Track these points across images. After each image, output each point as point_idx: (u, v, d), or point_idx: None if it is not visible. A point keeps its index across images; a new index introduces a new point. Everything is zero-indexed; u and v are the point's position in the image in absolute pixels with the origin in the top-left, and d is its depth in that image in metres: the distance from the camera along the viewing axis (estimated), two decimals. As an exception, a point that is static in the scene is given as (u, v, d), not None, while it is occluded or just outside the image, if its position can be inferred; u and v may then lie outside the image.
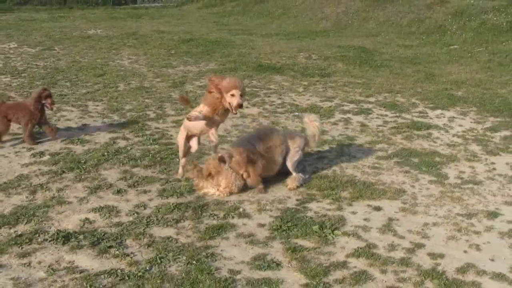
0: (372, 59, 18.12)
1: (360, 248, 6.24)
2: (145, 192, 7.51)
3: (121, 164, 8.43)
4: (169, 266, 5.75)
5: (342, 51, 19.80)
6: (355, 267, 5.88)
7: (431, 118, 11.52)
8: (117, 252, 5.97)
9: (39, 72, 14.80)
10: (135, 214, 6.84)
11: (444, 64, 17.58)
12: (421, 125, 10.94)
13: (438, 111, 12.07)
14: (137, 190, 7.54)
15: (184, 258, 5.90)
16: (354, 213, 7.13)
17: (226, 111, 7.41)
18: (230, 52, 19.04)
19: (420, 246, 6.35)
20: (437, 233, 6.67)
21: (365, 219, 6.97)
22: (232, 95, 7.13)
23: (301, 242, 6.35)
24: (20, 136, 9.40)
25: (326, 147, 9.55)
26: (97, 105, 11.73)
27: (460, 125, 11.09)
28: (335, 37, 23.91)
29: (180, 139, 8.03)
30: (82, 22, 26.71)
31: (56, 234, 6.24)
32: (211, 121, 7.49)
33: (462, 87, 14.38)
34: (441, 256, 6.14)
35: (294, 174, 8.00)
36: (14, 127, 9.54)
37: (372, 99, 12.98)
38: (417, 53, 19.67)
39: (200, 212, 6.97)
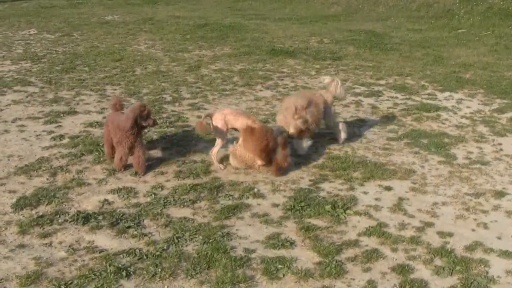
0: (382, 43, 18.15)
1: (372, 227, 6.39)
2: (162, 173, 7.67)
3: (138, 147, 8.55)
4: (186, 246, 5.91)
5: (353, 35, 19.82)
6: (366, 245, 6.03)
7: (440, 100, 11.62)
8: (135, 232, 6.14)
9: (58, 57, 14.93)
10: (153, 195, 7.00)
11: (452, 47, 17.60)
12: (430, 107, 11.05)
13: (447, 93, 12.17)
14: (154, 172, 7.70)
15: (201, 237, 6.05)
16: (365, 193, 7.28)
17: None
18: (244, 36, 19.10)
19: (429, 225, 6.50)
20: (446, 212, 6.81)
21: (376, 199, 7.12)
22: None
23: (314, 221, 6.50)
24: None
25: (337, 130, 9.68)
26: (115, 89, 11.88)
27: (468, 107, 11.19)
28: (346, 21, 23.89)
29: None
30: (100, 9, 26.73)
31: (76, 215, 6.41)
32: None
33: (470, 69, 14.45)
34: (450, 234, 6.29)
35: None
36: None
37: (382, 82, 13.07)
38: (426, 36, 19.66)
39: (215, 192, 7.13)
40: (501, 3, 22.61)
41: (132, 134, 7.47)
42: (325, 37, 19.34)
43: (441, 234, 6.30)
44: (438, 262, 5.75)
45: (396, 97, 11.78)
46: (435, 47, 17.53)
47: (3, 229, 6.15)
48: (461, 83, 12.96)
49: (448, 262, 5.72)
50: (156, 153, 8.39)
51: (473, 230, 6.43)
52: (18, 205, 6.61)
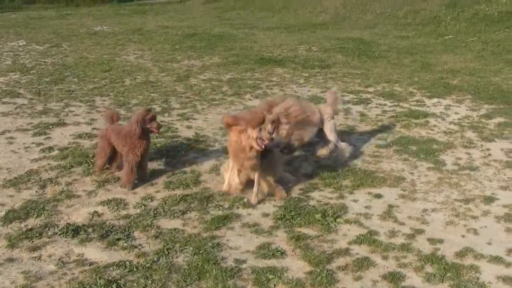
0: (370, 50, 18.25)
1: (362, 235, 6.39)
2: (151, 184, 7.65)
3: (128, 158, 8.53)
4: (176, 257, 5.88)
5: (341, 43, 19.91)
6: (357, 253, 6.03)
7: (428, 107, 11.68)
8: (125, 244, 6.11)
9: (47, 68, 14.92)
10: (143, 207, 6.98)
11: (440, 53, 17.73)
12: (419, 113, 11.10)
13: (435, 100, 12.23)
14: (144, 183, 7.68)
15: (191, 248, 6.03)
16: (355, 201, 7.29)
17: None
18: (232, 46, 19.14)
19: (419, 231, 6.50)
20: (436, 219, 6.83)
21: (366, 207, 7.13)
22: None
23: (304, 230, 6.49)
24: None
25: (327, 138, 9.69)
26: (104, 100, 11.86)
27: (456, 113, 11.24)
28: (334, 29, 24.00)
29: None
30: (89, 19, 26.76)
31: (65, 227, 6.37)
32: None
33: (457, 75, 14.54)
34: (440, 241, 6.30)
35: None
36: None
37: (371, 89, 13.12)
38: (414, 43, 19.79)
39: (205, 203, 7.11)
40: (487, 9, 22.81)
41: (144, 139, 7.44)
42: (314, 45, 19.41)
43: (432, 240, 6.30)
44: (429, 269, 5.75)
45: (385, 104, 11.83)
46: (423, 54, 17.63)
47: (-8, 242, 6.12)
48: (448, 89, 13.02)
49: (439, 269, 5.71)
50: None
51: (463, 236, 6.44)
52: (7, 218, 6.56)
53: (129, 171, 7.44)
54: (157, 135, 8.38)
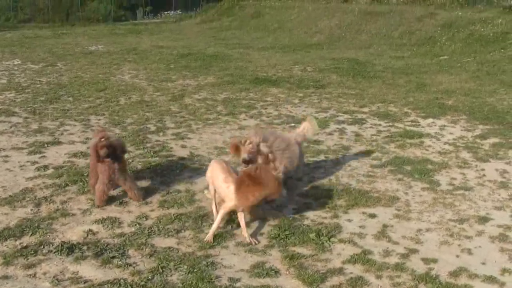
0: (365, 71, 18.35)
1: (356, 255, 6.39)
2: (146, 203, 7.64)
3: (122, 177, 8.53)
4: (171, 275, 5.88)
5: (336, 63, 20.01)
6: (351, 273, 6.03)
7: (423, 127, 11.73)
8: (120, 262, 6.10)
9: (43, 87, 14.95)
10: (137, 225, 6.98)
11: (435, 74, 17.84)
12: (414, 133, 11.15)
13: (430, 120, 12.29)
14: (138, 202, 7.67)
15: (185, 267, 6.03)
16: (349, 220, 7.29)
17: None
18: (227, 65, 19.22)
19: (414, 251, 6.51)
20: (430, 239, 6.84)
21: (360, 226, 7.13)
22: None
23: (298, 249, 6.50)
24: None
25: (321, 157, 9.72)
26: (99, 119, 11.89)
27: (451, 133, 11.29)
28: (329, 49, 24.13)
29: None
30: (84, 39, 26.84)
31: (60, 245, 6.37)
32: None
33: (452, 96, 14.62)
34: (434, 260, 6.31)
35: None
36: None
37: (365, 109, 13.17)
38: (409, 64, 19.90)
39: (200, 222, 7.11)
40: (482, 29, 22.97)
41: (110, 163, 7.46)
42: (308, 65, 19.51)
43: (426, 260, 6.31)
44: (423, 288, 5.75)
45: (380, 125, 11.87)
46: (418, 74, 17.73)
47: (-13, 260, 6.11)
48: (443, 110, 13.09)
49: (433, 289, 5.73)
50: (140, 183, 8.34)
51: (457, 256, 6.45)
52: (2, 236, 6.56)
53: (100, 188, 7.48)
54: (152, 155, 8.37)
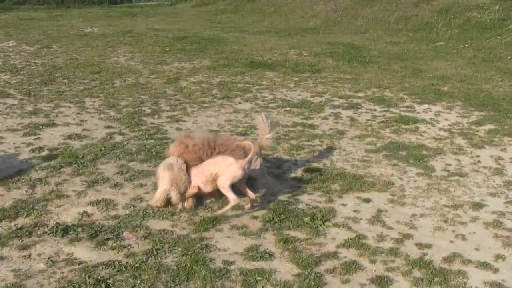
0: (361, 56, 18.32)
1: (350, 239, 6.41)
2: (141, 185, 7.63)
3: (117, 159, 8.54)
4: (165, 258, 5.89)
5: (332, 47, 19.97)
6: (345, 257, 6.05)
7: (418, 113, 11.74)
8: (114, 244, 6.11)
9: (38, 69, 14.87)
10: (132, 207, 6.97)
11: (431, 60, 17.82)
12: (409, 119, 11.16)
13: (425, 106, 12.30)
14: (133, 184, 7.67)
15: (180, 249, 6.04)
16: (344, 205, 7.31)
17: None
18: (223, 49, 19.16)
19: (408, 236, 6.54)
20: (424, 224, 6.86)
21: (355, 211, 7.15)
22: None
23: (293, 233, 6.51)
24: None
25: (316, 141, 9.72)
26: (94, 101, 11.83)
27: (446, 119, 11.32)
28: (325, 34, 24.08)
29: None
30: (79, 21, 26.71)
31: (55, 227, 6.36)
32: None
33: (448, 82, 14.63)
34: (428, 246, 6.33)
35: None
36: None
37: (361, 94, 13.17)
38: (404, 49, 19.89)
39: (194, 204, 7.11)
40: (479, 16, 22.91)
41: None
42: (304, 49, 19.46)
43: (420, 245, 6.34)
44: (416, 273, 5.78)
45: (375, 110, 11.87)
46: (414, 60, 17.71)
47: (-18, 241, 6.11)
48: (439, 96, 13.10)
49: (427, 274, 5.75)
50: (135, 165, 8.35)
51: (451, 241, 6.48)
52: (-3, 217, 6.56)
53: None
54: (147, 137, 8.35)
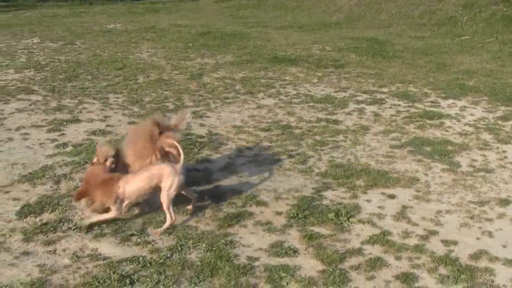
0: (385, 50, 18.17)
1: (375, 235, 6.38)
2: (165, 181, 7.63)
3: (141, 155, 8.53)
4: (189, 253, 5.91)
5: (355, 42, 19.85)
6: (370, 253, 6.03)
7: (443, 108, 11.62)
8: (138, 240, 6.14)
9: (61, 66, 14.94)
10: (156, 203, 6.95)
11: (455, 54, 17.62)
12: (433, 114, 11.05)
13: (450, 101, 12.17)
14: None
15: (204, 245, 6.05)
16: (368, 201, 7.27)
17: None
18: (246, 44, 19.13)
19: (433, 233, 6.48)
20: (450, 220, 6.80)
21: (379, 207, 7.11)
22: None
23: (317, 229, 6.49)
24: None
25: (340, 137, 9.67)
26: (118, 97, 11.89)
27: (472, 114, 11.18)
28: (348, 29, 23.93)
29: None
30: (102, 17, 26.78)
31: (79, 222, 6.41)
32: None
33: (474, 77, 14.44)
34: (454, 243, 6.27)
35: None
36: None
37: (385, 89, 13.07)
38: (429, 44, 19.69)
39: (218, 200, 7.12)
40: (505, 9, 22.61)
41: None
42: (327, 44, 19.37)
43: (445, 242, 6.28)
44: (442, 270, 5.73)
45: (399, 105, 11.78)
46: (438, 54, 17.54)
47: (8, 236, 6.17)
48: (464, 91, 12.95)
49: (453, 271, 5.70)
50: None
51: (477, 238, 6.41)
52: (22, 213, 6.62)
53: None
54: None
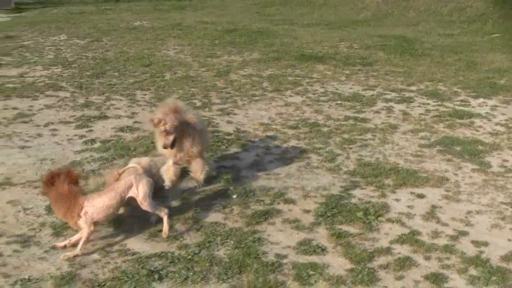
0: (413, 48, 17.99)
1: (404, 235, 6.34)
2: (192, 179, 7.64)
3: (169, 151, 8.55)
4: (218, 250, 5.93)
5: (383, 40, 19.70)
6: (399, 253, 5.99)
7: (473, 107, 11.49)
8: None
9: (89, 62, 15.03)
10: (184, 200, 7.01)
11: (486, 52, 17.38)
12: (463, 113, 10.93)
13: (480, 100, 12.02)
14: (185, 177, 7.64)
15: (232, 242, 6.08)
16: (397, 200, 7.22)
17: None
18: (272, 41, 19.07)
19: (463, 233, 6.42)
20: (480, 221, 6.73)
21: (408, 206, 7.05)
22: None
23: (345, 228, 6.47)
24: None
25: (369, 135, 9.61)
26: (145, 94, 11.92)
27: (503, 114, 11.03)
28: (376, 26, 23.76)
29: None
30: (128, 14, 26.87)
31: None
32: None
33: (505, 75, 14.23)
34: (485, 244, 6.21)
35: None
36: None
37: (413, 88, 12.96)
38: (458, 41, 19.46)
39: (246, 198, 7.13)
40: (537, 6, 22.31)
41: None
42: (355, 42, 19.25)
43: (476, 243, 6.22)
44: (473, 271, 5.68)
45: (428, 104, 11.66)
46: (468, 53, 17.32)
47: (38, 230, 6.25)
48: (495, 89, 12.79)
49: (484, 272, 5.65)
50: (187, 157, 8.36)
51: (509, 240, 6.34)
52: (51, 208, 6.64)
53: None
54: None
